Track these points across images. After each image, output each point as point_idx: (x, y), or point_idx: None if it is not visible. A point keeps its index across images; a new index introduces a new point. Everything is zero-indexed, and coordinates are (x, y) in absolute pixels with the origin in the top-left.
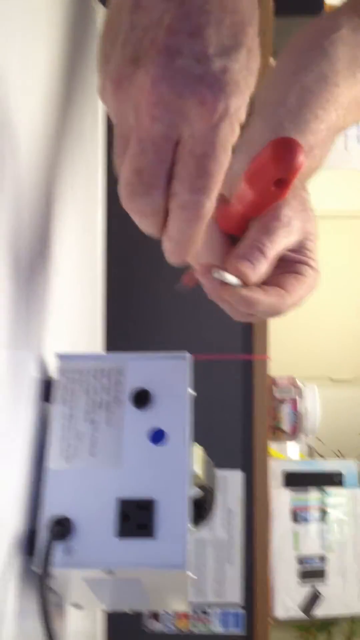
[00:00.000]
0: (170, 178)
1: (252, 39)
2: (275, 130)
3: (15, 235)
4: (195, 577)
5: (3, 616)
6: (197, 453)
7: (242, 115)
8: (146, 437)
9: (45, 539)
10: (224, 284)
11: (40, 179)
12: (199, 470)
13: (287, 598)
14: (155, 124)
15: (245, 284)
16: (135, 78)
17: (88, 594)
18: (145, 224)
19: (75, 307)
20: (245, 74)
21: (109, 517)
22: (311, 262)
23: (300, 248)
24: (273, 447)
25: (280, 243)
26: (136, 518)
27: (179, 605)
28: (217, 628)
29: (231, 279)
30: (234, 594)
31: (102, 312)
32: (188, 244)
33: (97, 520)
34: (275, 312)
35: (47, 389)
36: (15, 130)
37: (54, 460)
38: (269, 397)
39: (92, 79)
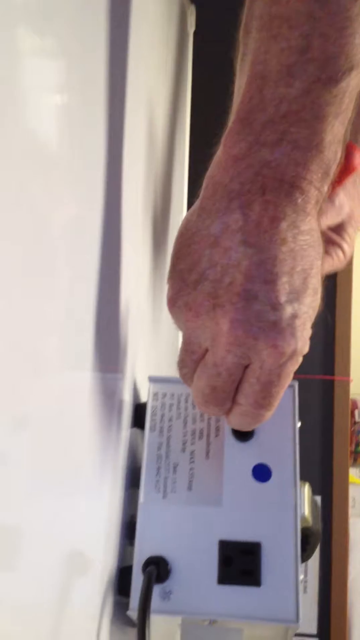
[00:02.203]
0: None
1: (317, 281)
2: None
3: (108, 254)
4: None
5: None
6: (305, 492)
7: (306, 348)
8: (249, 474)
9: (141, 581)
10: None
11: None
12: (307, 511)
13: None
14: (230, 356)
15: None
16: (213, 314)
17: (175, 636)
18: (211, 414)
19: (157, 328)
20: (311, 312)
21: (210, 560)
22: (344, 246)
23: (338, 229)
24: (353, 474)
25: (325, 223)
26: (240, 563)
27: None
28: None
29: None
30: (309, 623)
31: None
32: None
33: (196, 563)
34: None
35: (138, 414)
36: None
37: (149, 494)
38: (350, 421)
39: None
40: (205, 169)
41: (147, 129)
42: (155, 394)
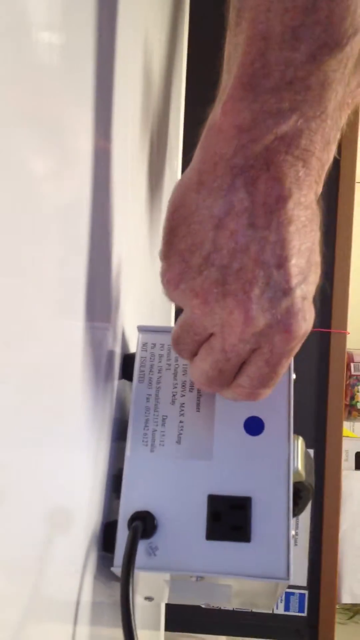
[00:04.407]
0: None
1: (318, 255)
2: None
3: (98, 198)
4: None
5: (78, 616)
6: (298, 445)
7: (311, 326)
8: (241, 426)
9: (126, 537)
10: None
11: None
12: (300, 465)
13: (355, 584)
14: (242, 344)
15: None
16: (224, 303)
17: (163, 589)
18: (211, 392)
19: (149, 276)
20: (314, 288)
21: (198, 515)
22: None
23: None
24: (346, 427)
25: None
26: (229, 518)
27: (264, 607)
28: (279, 609)
29: None
30: (299, 576)
31: None
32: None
33: (183, 518)
34: None
35: (126, 365)
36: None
37: (135, 448)
38: (345, 374)
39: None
40: (201, 116)
41: (143, 67)
42: (145, 344)
